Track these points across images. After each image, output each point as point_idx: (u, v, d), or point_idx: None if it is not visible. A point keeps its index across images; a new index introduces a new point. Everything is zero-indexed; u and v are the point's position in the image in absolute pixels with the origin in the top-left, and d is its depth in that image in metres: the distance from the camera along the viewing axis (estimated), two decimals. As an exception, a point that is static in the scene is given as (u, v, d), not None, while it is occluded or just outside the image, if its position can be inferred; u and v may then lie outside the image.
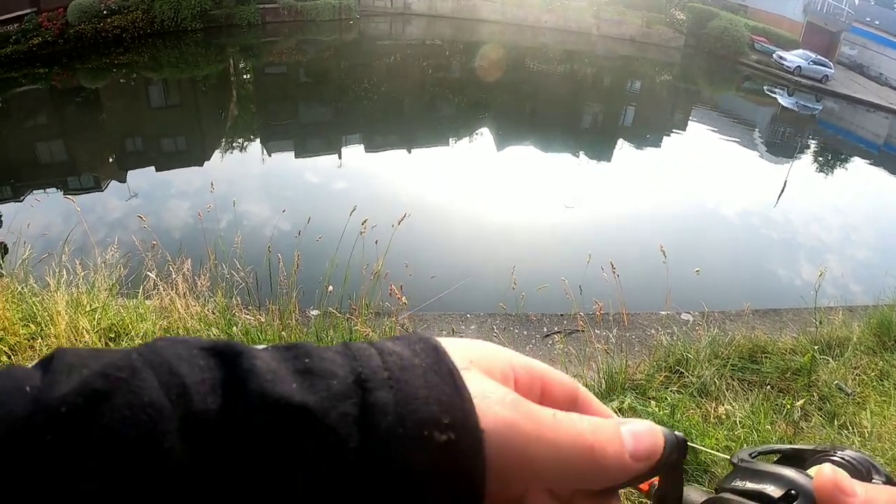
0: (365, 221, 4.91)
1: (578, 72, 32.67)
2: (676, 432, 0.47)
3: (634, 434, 0.44)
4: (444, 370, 0.41)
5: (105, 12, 25.56)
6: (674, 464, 0.47)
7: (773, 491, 0.47)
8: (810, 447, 0.54)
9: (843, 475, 0.44)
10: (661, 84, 33.00)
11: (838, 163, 24.07)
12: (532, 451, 0.40)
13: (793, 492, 0.46)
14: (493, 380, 0.43)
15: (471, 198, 13.82)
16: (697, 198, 16.10)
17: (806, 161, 23.35)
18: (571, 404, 0.49)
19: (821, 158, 24.27)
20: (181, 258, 5.25)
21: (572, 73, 31.98)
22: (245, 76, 27.81)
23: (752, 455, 0.55)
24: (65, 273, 5.20)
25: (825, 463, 0.48)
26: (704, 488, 0.57)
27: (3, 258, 6.18)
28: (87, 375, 0.35)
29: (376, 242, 5.08)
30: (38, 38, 23.77)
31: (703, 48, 37.17)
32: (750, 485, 0.50)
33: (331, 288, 4.92)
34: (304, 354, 0.40)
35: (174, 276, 5.09)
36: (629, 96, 30.34)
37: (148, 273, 5.04)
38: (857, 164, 24.19)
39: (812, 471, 0.47)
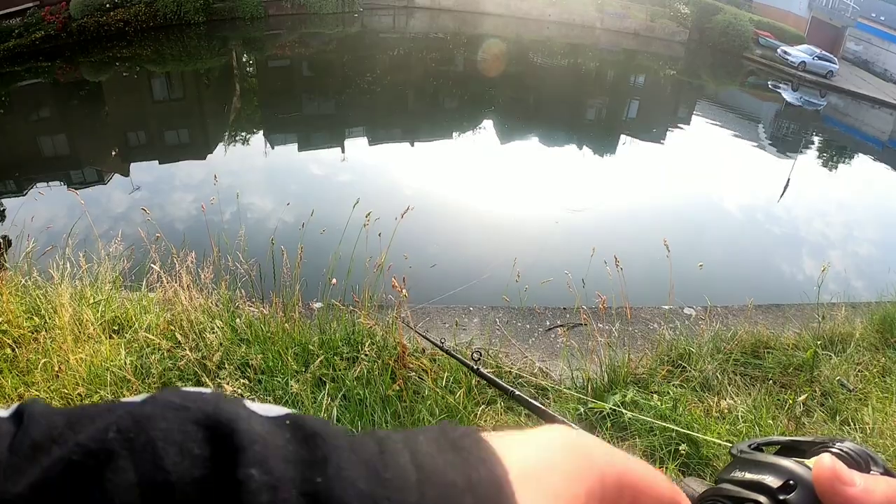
0: (368, 214, 4.91)
1: (582, 66, 32.61)
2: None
3: None
4: None
5: (108, 6, 25.56)
6: None
7: (772, 481, 0.48)
8: (809, 439, 0.54)
9: (841, 465, 0.45)
10: (665, 78, 32.92)
11: (842, 159, 24.00)
12: None
13: (791, 481, 0.47)
14: None
15: (474, 191, 13.81)
16: (701, 192, 16.07)
17: (810, 157, 23.29)
18: None
19: (825, 154, 24.21)
20: (185, 250, 5.26)
21: (576, 67, 31.93)
22: (248, 69, 27.79)
23: (752, 447, 0.56)
24: (68, 266, 5.21)
25: (824, 453, 0.48)
26: (705, 481, 0.58)
27: (6, 251, 6.20)
28: (53, 461, 0.29)
29: (379, 235, 5.08)
30: (40, 31, 23.78)
31: (708, 43, 37.09)
32: (749, 475, 0.50)
33: (334, 280, 4.92)
34: (320, 463, 0.31)
35: (178, 269, 5.09)
36: (633, 90, 30.29)
37: (152, 265, 5.05)
38: (861, 160, 24.14)
39: (811, 462, 0.47)
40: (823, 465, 0.44)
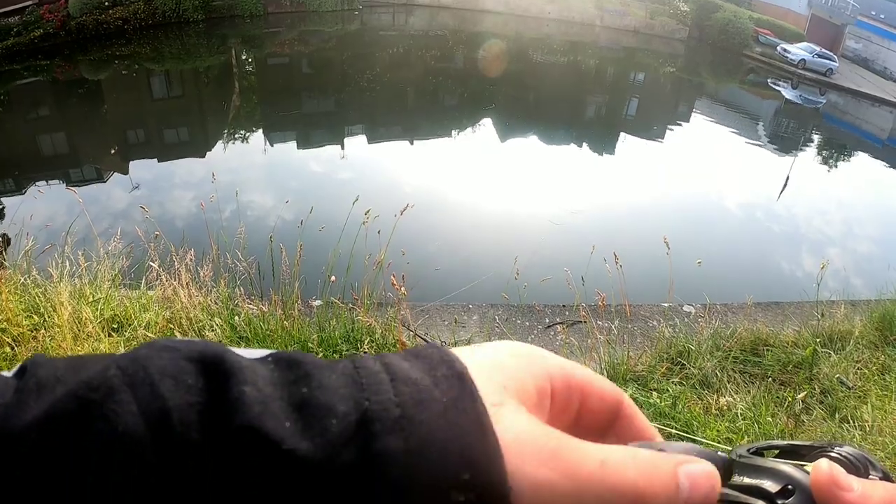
0: (368, 212, 4.91)
1: (582, 63, 32.62)
2: (720, 453, 0.45)
3: (691, 478, 0.37)
4: (470, 408, 0.35)
5: (107, 4, 25.51)
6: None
7: (771, 486, 0.47)
8: (808, 443, 0.53)
9: (839, 470, 0.44)
10: (665, 76, 32.92)
11: (842, 157, 24.02)
12: None
13: (789, 486, 0.46)
14: (529, 414, 0.37)
15: (474, 189, 13.82)
16: (701, 190, 16.08)
17: (809, 154, 23.29)
18: (613, 417, 0.45)
19: (824, 152, 24.22)
20: (184, 248, 5.26)
21: (576, 65, 31.94)
22: (247, 67, 27.76)
23: (750, 451, 0.55)
24: (68, 264, 5.21)
25: (822, 458, 0.48)
26: None
27: (6, 250, 6.20)
28: (58, 397, 0.32)
29: (379, 233, 5.08)
30: (39, 30, 23.73)
31: (707, 40, 37.09)
32: (747, 480, 0.49)
33: (333, 278, 4.93)
34: (303, 378, 0.35)
35: (177, 267, 5.10)
36: (633, 88, 30.30)
37: (151, 263, 5.05)
38: (861, 158, 24.14)
39: (810, 466, 0.47)
40: (821, 470, 0.44)
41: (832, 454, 0.50)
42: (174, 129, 19.44)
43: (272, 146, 17.67)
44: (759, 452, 0.55)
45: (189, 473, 0.31)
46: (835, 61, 34.61)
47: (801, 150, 22.92)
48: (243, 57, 28.59)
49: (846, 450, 0.51)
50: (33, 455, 0.30)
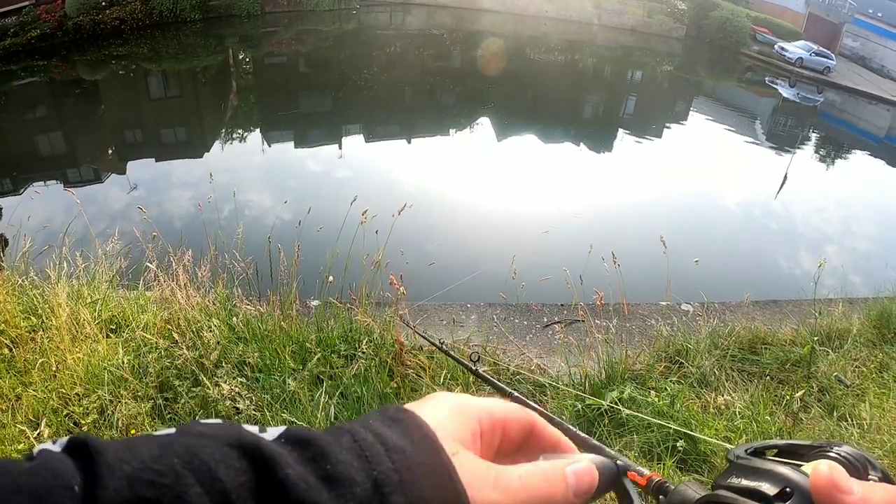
0: (365, 212, 4.91)
1: (579, 62, 32.61)
2: (618, 461, 0.59)
3: (576, 474, 0.53)
4: (442, 466, 0.48)
5: (103, 4, 25.50)
6: (613, 487, 0.58)
7: (769, 488, 0.47)
8: (807, 443, 0.54)
9: (839, 473, 0.44)
10: (663, 74, 32.93)
11: (839, 155, 24.01)
12: None
13: (788, 489, 0.46)
14: (474, 457, 0.51)
15: (471, 188, 13.82)
16: (698, 189, 16.09)
17: (807, 153, 23.30)
18: (527, 434, 0.59)
19: (822, 150, 24.23)
20: (182, 249, 5.25)
21: (573, 64, 31.93)
22: (245, 67, 27.74)
23: (749, 451, 0.55)
24: (65, 265, 5.21)
25: (821, 460, 0.48)
26: (704, 479, 0.57)
27: (3, 251, 6.19)
28: (131, 478, 0.38)
29: (377, 232, 5.08)
30: (36, 30, 23.72)
31: (705, 39, 37.09)
32: (746, 482, 0.50)
33: (331, 278, 4.92)
34: (320, 457, 0.45)
35: (175, 267, 5.09)
36: (630, 86, 30.30)
37: (148, 264, 5.04)
38: (859, 156, 24.14)
39: (808, 467, 0.47)
40: (820, 472, 0.44)
41: (831, 454, 0.50)
42: (171, 129, 19.43)
43: (270, 146, 17.67)
44: (757, 453, 0.55)
45: None
46: (832, 59, 34.63)
47: (798, 148, 22.93)
48: (241, 56, 28.57)
49: (845, 450, 0.51)
50: None
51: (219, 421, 0.47)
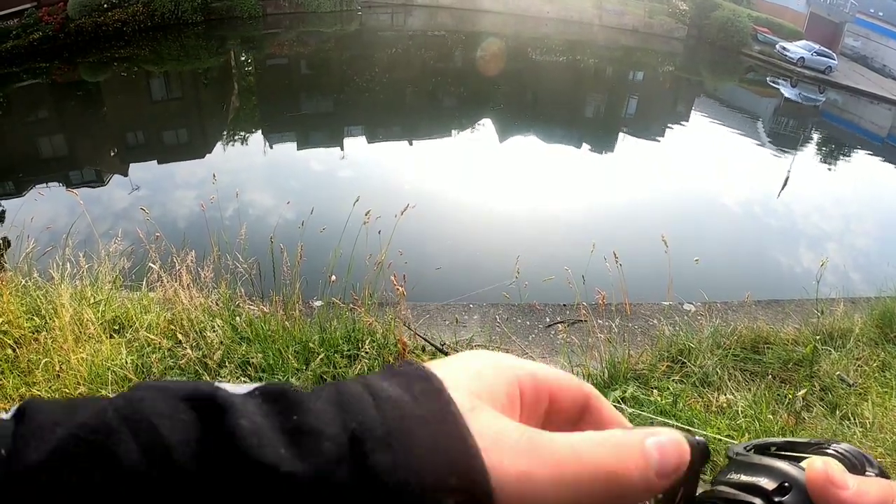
0: (368, 212, 4.92)
1: (581, 62, 32.61)
2: (697, 437, 0.46)
3: (660, 448, 0.40)
4: (449, 418, 0.37)
5: (105, 6, 25.50)
6: (696, 471, 0.46)
7: (767, 483, 0.48)
8: (806, 440, 0.53)
9: (834, 468, 0.45)
10: (664, 75, 32.94)
11: (841, 154, 24.02)
12: (551, 498, 0.36)
13: (786, 484, 0.46)
14: (501, 416, 0.40)
15: (473, 188, 13.83)
16: (700, 189, 16.09)
17: (809, 152, 23.30)
18: (581, 410, 0.47)
19: (824, 149, 24.22)
20: (185, 250, 5.26)
21: (574, 64, 31.93)
22: (246, 68, 27.77)
23: (748, 448, 0.55)
24: (68, 266, 5.22)
25: (816, 456, 0.48)
26: (706, 477, 0.58)
27: (6, 252, 6.20)
28: (59, 438, 0.33)
29: (379, 233, 5.09)
30: (38, 32, 23.72)
31: (706, 39, 37.06)
32: (745, 477, 0.50)
33: (333, 278, 4.93)
34: (292, 407, 0.36)
35: (178, 268, 5.10)
36: (632, 87, 30.29)
37: (151, 265, 5.05)
38: (861, 156, 24.14)
39: (805, 463, 0.47)
40: (815, 468, 0.45)
41: (829, 451, 0.51)
42: (174, 130, 19.45)
43: (272, 147, 17.70)
44: (756, 450, 0.55)
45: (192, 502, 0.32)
46: (834, 59, 34.60)
47: (800, 148, 22.92)
48: (242, 58, 28.59)
49: (843, 447, 0.51)
50: (42, 497, 0.32)
51: (182, 380, 0.40)
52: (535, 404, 0.44)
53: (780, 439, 0.55)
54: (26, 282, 5.15)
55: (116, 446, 0.32)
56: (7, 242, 7.15)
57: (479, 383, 0.41)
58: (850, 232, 15.17)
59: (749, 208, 15.28)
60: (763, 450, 0.56)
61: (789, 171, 17.87)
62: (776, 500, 0.46)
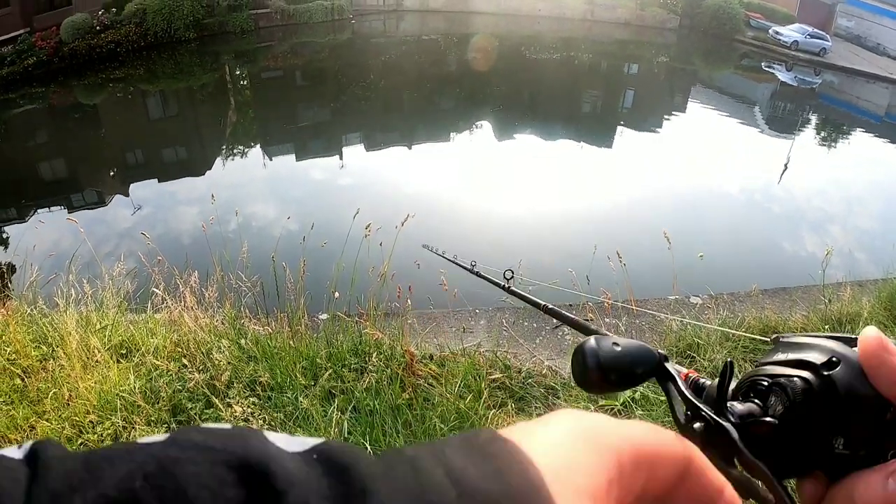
0: (368, 226, 4.92)
1: (575, 58, 32.60)
2: (658, 350, 0.48)
3: None
4: None
5: (98, 28, 25.62)
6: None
7: (816, 358, 0.48)
8: (845, 335, 0.52)
9: (886, 338, 0.45)
10: (659, 66, 32.91)
11: (840, 135, 23.97)
12: None
13: (834, 358, 0.47)
14: None
15: (474, 190, 13.82)
16: (700, 179, 16.04)
17: (808, 135, 23.26)
18: (681, 476, 0.39)
19: (822, 132, 24.17)
20: (188, 271, 5.27)
21: (569, 61, 31.91)
22: (242, 82, 27.84)
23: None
24: (73, 292, 5.22)
25: (869, 327, 0.48)
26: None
27: (11, 279, 6.23)
28: None
29: (381, 244, 5.08)
30: (33, 57, 23.85)
31: (699, 28, 37.03)
32: (791, 355, 0.51)
33: (337, 294, 4.93)
34: (358, 496, 0.28)
35: (182, 290, 5.10)
36: (627, 80, 30.29)
37: (154, 290, 5.06)
38: (860, 136, 24.08)
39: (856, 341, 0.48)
40: (869, 336, 0.45)
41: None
42: (172, 148, 19.51)
43: (271, 160, 17.74)
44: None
45: None
46: (828, 41, 34.55)
47: (799, 131, 22.88)
48: (237, 72, 28.65)
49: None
50: None
51: (227, 426, 0.31)
52: (630, 482, 0.36)
53: (821, 334, 0.54)
54: (32, 310, 5.16)
55: None
56: (12, 268, 7.18)
57: (577, 470, 0.34)
58: (854, 213, 15.10)
59: (750, 196, 15.24)
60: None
61: (789, 156, 17.81)
62: (825, 373, 0.47)
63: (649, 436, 0.38)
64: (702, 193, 15.05)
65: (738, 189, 15.60)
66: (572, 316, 1.16)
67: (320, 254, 5.81)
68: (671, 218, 11.20)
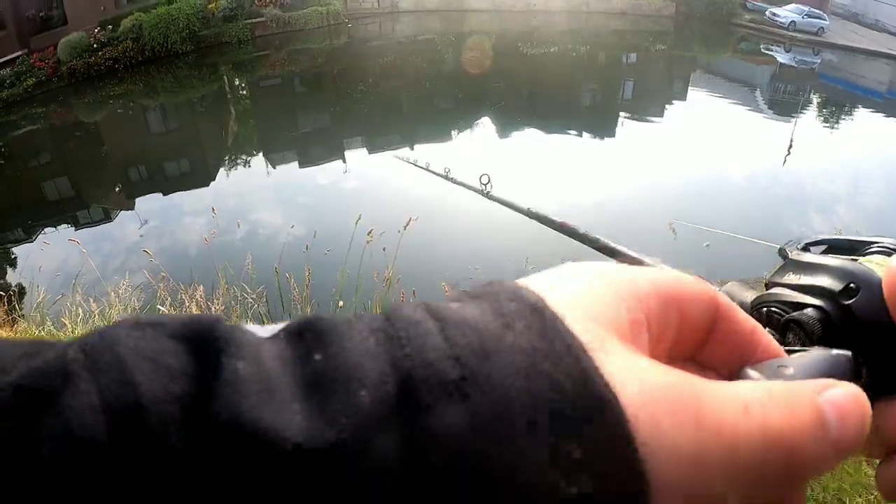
0: (370, 231, 4.92)
1: (573, 51, 32.51)
2: (841, 352, 0.36)
3: (838, 409, 0.26)
4: (564, 353, 0.24)
5: (95, 46, 25.66)
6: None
7: (833, 284, 0.44)
8: (857, 238, 0.50)
9: None
10: (657, 54, 32.81)
11: (843, 114, 23.85)
12: (723, 482, 0.24)
13: (853, 284, 0.43)
14: (642, 357, 0.27)
15: (478, 188, 13.78)
16: (704, 166, 15.95)
17: (810, 116, 23.15)
18: (711, 320, 0.33)
19: (825, 111, 24.07)
20: (193, 285, 5.27)
21: (567, 54, 31.84)
22: (241, 92, 27.87)
23: (800, 248, 0.52)
24: (80, 312, 5.23)
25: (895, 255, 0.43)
26: (748, 284, 0.55)
27: (20, 301, 6.24)
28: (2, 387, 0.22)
29: (384, 249, 5.08)
30: (32, 78, 23.93)
31: (695, 14, 36.83)
32: (805, 278, 0.47)
33: (341, 303, 4.93)
34: (317, 343, 0.24)
35: (188, 305, 5.10)
36: (626, 70, 30.20)
37: (160, 307, 5.07)
38: (862, 113, 23.97)
39: (867, 261, 0.44)
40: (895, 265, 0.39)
41: (891, 247, 0.47)
42: (175, 161, 19.53)
43: (274, 167, 17.75)
44: (806, 248, 0.52)
45: (167, 491, 0.20)
46: (825, 19, 34.34)
47: (801, 112, 22.76)
48: (236, 82, 28.68)
49: None
50: None
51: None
52: (663, 328, 0.30)
53: (831, 237, 0.53)
54: (40, 332, 5.17)
55: (71, 399, 0.21)
56: (21, 290, 7.21)
57: (595, 302, 0.28)
58: (860, 192, 15.03)
59: (755, 181, 15.17)
60: (814, 248, 0.53)
61: (792, 137, 17.73)
62: (844, 303, 0.43)
63: (673, 278, 0.32)
64: (706, 180, 14.99)
65: (743, 174, 15.54)
66: (560, 220, 1.07)
67: (324, 260, 5.81)
68: (677, 206, 11.14)
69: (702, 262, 7.21)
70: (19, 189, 17.32)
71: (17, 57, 24.34)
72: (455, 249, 10.52)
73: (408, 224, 4.85)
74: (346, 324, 0.25)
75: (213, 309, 5.13)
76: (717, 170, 15.77)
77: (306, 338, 0.25)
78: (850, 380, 0.32)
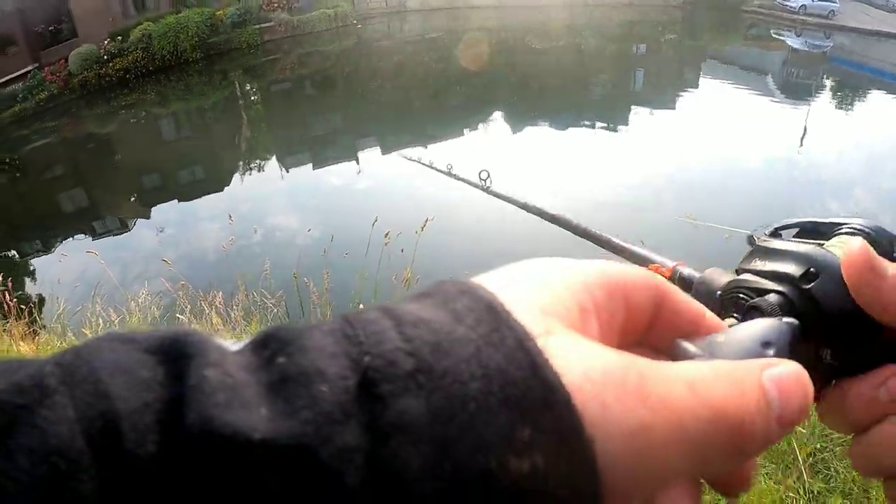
0: (388, 234, 4.91)
1: (581, 44, 32.41)
2: (785, 319, 0.37)
3: (779, 385, 0.28)
4: (512, 342, 0.25)
5: (105, 57, 25.84)
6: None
7: (794, 269, 0.45)
8: (826, 220, 0.50)
9: (873, 253, 0.40)
10: (667, 44, 32.64)
11: (856, 97, 23.64)
12: (669, 456, 0.26)
13: (812, 269, 0.44)
14: (588, 341, 0.28)
15: (492, 185, 13.74)
16: (720, 154, 15.85)
17: (824, 100, 22.97)
18: (656, 306, 0.34)
19: (838, 94, 23.87)
20: (212, 293, 5.28)
21: (576, 47, 31.75)
22: (252, 97, 27.96)
23: (769, 233, 0.52)
24: (100, 322, 5.25)
25: (854, 237, 0.43)
26: (727, 270, 0.55)
27: (41, 313, 6.28)
28: None
29: (402, 251, 5.07)
30: (44, 92, 24.16)
31: (704, 2, 36.67)
32: (769, 264, 0.47)
33: (361, 306, 4.92)
34: (279, 349, 0.25)
35: (207, 312, 5.11)
36: (636, 61, 30.05)
37: (178, 316, 5.07)
38: (876, 95, 23.73)
39: (832, 246, 0.44)
40: (854, 251, 0.40)
41: (856, 228, 0.47)
42: (189, 168, 19.62)
43: (288, 171, 17.81)
44: (776, 233, 0.53)
45: (142, 495, 0.21)
46: (836, 2, 34.01)
47: (814, 97, 22.61)
48: (247, 87, 28.77)
49: (865, 224, 0.48)
50: None
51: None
52: (609, 315, 0.32)
53: (802, 219, 0.53)
54: (62, 343, 5.19)
55: (49, 414, 0.22)
56: (42, 301, 7.26)
57: (542, 293, 0.29)
58: (877, 174, 14.88)
59: (772, 166, 15.05)
60: (785, 232, 0.53)
61: (806, 122, 17.58)
62: (804, 287, 0.43)
63: (618, 267, 0.33)
64: (722, 169, 14.89)
65: (758, 162, 15.41)
66: (559, 214, 1.08)
67: (343, 262, 5.81)
68: (693, 197, 11.08)
69: (723, 253, 7.17)
70: (36, 202, 17.48)
71: (29, 71, 24.58)
72: (473, 248, 10.48)
73: (425, 224, 4.84)
74: (308, 329, 0.26)
75: (232, 315, 5.15)
76: (733, 158, 15.66)
77: (270, 346, 0.25)
78: (790, 345, 0.35)
